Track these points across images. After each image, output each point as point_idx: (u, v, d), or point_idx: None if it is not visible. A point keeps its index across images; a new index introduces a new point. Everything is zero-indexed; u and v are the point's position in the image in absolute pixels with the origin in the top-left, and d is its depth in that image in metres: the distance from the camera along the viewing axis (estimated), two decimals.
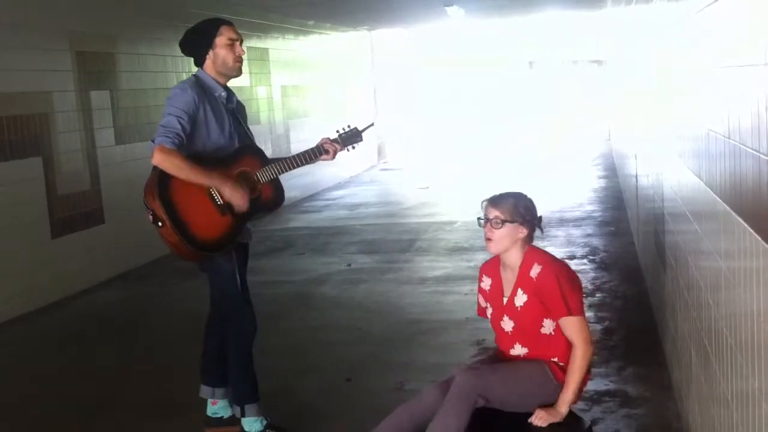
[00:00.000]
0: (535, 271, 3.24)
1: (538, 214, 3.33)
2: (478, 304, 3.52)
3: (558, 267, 3.27)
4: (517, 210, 3.25)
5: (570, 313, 3.17)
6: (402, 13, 15.53)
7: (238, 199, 3.71)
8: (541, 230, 3.36)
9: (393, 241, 9.01)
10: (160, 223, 3.62)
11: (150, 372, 5.20)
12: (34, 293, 6.92)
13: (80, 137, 7.74)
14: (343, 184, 14.46)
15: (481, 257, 3.60)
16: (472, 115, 24.85)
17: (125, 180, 8.28)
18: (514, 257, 3.29)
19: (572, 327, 3.18)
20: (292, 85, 13.12)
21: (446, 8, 13.60)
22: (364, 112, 16.92)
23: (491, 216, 3.25)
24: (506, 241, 3.25)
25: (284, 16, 12.82)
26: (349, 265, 7.91)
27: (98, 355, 5.66)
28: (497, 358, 3.41)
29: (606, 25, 15.64)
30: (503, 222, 3.22)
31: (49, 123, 7.27)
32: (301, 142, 12.61)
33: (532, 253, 3.30)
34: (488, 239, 3.28)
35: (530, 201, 3.34)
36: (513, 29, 22.47)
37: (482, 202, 3.34)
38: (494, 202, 3.29)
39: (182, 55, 4.06)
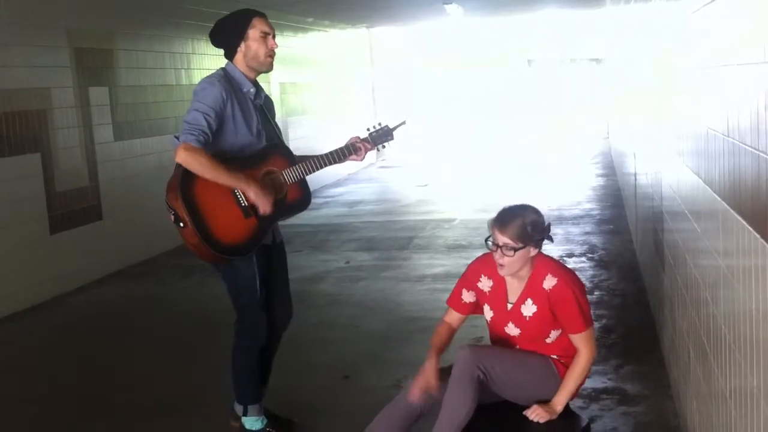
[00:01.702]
0: (549, 282, 3.18)
1: (546, 223, 3.24)
2: (456, 296, 3.42)
3: (571, 279, 3.23)
4: (526, 232, 3.12)
5: (587, 327, 3.17)
6: (401, 11, 15.53)
7: (263, 202, 3.56)
8: (551, 240, 3.28)
9: (391, 238, 9.01)
10: (181, 224, 3.49)
11: (149, 369, 5.20)
12: (31, 290, 6.91)
13: (79, 134, 7.73)
14: (342, 182, 14.46)
15: (479, 254, 3.58)
16: (470, 113, 24.84)
17: (124, 176, 8.29)
18: (524, 270, 3.22)
19: (583, 338, 3.18)
20: (290, 83, 13.11)
21: (445, 6, 13.59)
22: (362, 110, 16.93)
23: (500, 243, 3.13)
24: (518, 264, 3.17)
25: (283, 13, 12.80)
26: (348, 262, 7.90)
27: (96, 352, 5.65)
28: None
29: (605, 23, 15.64)
30: (515, 250, 3.13)
31: (48, 119, 7.26)
32: (299, 140, 12.61)
33: (543, 262, 3.23)
34: (500, 264, 3.18)
35: (537, 214, 3.21)
36: (512, 27, 22.47)
37: (488, 223, 3.22)
38: (502, 226, 3.14)
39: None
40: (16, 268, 6.79)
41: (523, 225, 3.13)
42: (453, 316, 3.48)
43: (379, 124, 4.00)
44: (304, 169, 3.74)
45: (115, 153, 8.26)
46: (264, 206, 3.57)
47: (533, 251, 3.18)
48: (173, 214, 3.52)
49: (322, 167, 3.79)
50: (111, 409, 4.60)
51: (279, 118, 12.35)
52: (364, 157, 3.93)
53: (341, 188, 13.72)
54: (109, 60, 8.26)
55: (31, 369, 5.42)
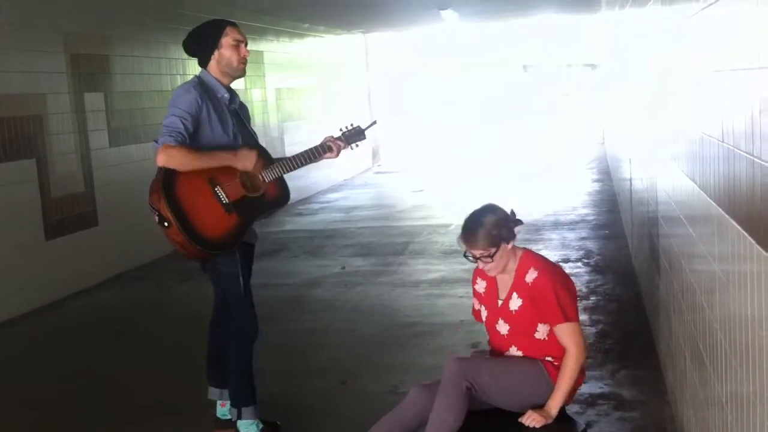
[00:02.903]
0: (530, 276, 3.23)
1: (508, 212, 3.30)
2: (474, 306, 3.51)
3: (553, 272, 3.27)
4: (491, 235, 3.21)
5: (566, 320, 3.18)
6: (396, 17, 15.54)
7: (249, 162, 3.75)
8: (521, 222, 3.33)
9: (387, 244, 9.00)
10: (166, 224, 3.60)
11: (147, 373, 5.19)
12: (28, 295, 6.90)
13: (74, 139, 7.72)
14: (338, 187, 14.45)
15: None
16: (466, 118, 24.89)
17: (119, 182, 8.28)
18: (511, 264, 3.29)
19: (566, 333, 3.19)
20: (286, 88, 13.11)
21: (441, 12, 13.60)
22: (359, 114, 16.94)
23: (477, 254, 3.23)
24: (502, 262, 3.25)
25: (279, 19, 12.82)
26: (344, 268, 7.90)
27: (95, 356, 5.64)
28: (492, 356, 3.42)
29: (600, 28, 15.67)
30: (491, 256, 3.21)
31: (43, 125, 7.25)
32: (295, 145, 12.55)
33: (528, 258, 3.30)
34: (486, 270, 3.27)
35: (494, 212, 3.28)
36: (507, 33, 22.53)
37: (458, 240, 3.31)
38: (469, 241, 3.24)
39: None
40: (12, 274, 6.77)
41: (488, 231, 3.21)
42: None
43: (351, 124, 4.15)
44: (281, 168, 3.89)
45: (111, 159, 8.25)
46: (249, 165, 3.76)
47: (509, 245, 3.25)
48: (157, 215, 3.62)
49: (298, 166, 3.93)
50: (110, 412, 4.59)
51: (275, 123, 12.41)
52: (338, 155, 4.06)
53: (337, 194, 13.72)
54: (104, 66, 8.25)
55: (30, 373, 5.41)
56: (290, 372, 5.00)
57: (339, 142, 4.04)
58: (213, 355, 4.08)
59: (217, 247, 3.74)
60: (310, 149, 3.98)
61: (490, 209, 3.31)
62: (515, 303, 3.27)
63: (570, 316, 3.19)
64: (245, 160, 3.76)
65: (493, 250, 3.20)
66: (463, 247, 3.28)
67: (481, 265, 3.26)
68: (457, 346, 5.25)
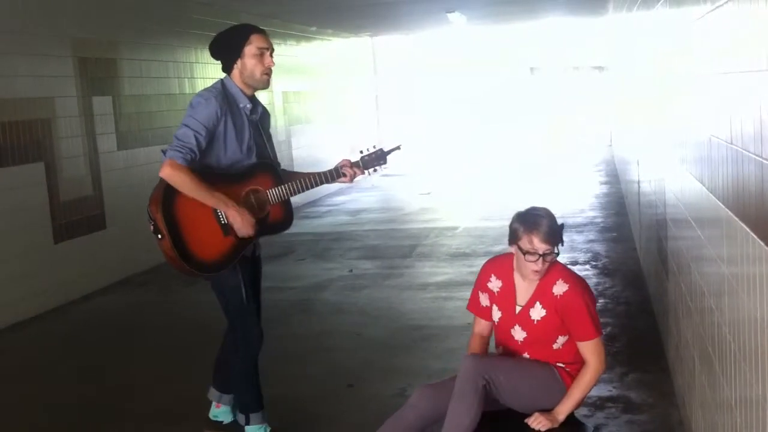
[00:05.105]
0: (560, 288, 3.19)
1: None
2: (475, 300, 3.41)
3: (582, 286, 3.23)
4: (556, 233, 3.14)
5: (597, 335, 3.17)
6: (404, 20, 15.55)
7: (239, 224, 3.60)
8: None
9: (394, 246, 9.00)
10: (159, 236, 3.55)
11: (151, 378, 5.19)
12: (35, 298, 6.91)
13: (82, 143, 7.75)
14: (345, 190, 14.46)
15: (482, 263, 3.58)
16: (474, 121, 24.86)
17: (127, 185, 8.29)
18: None
19: (592, 348, 3.18)
20: (293, 91, 13.13)
21: (448, 15, 13.62)
22: (366, 118, 16.95)
23: (541, 251, 3.11)
24: (548, 266, 3.19)
25: (286, 22, 12.84)
26: (351, 270, 7.90)
27: (101, 360, 5.65)
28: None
29: (608, 31, 15.66)
30: (556, 254, 3.14)
31: (52, 128, 7.28)
32: (302, 148, 12.63)
33: (555, 267, 3.23)
34: (535, 271, 3.15)
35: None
36: (514, 35, 22.50)
37: (518, 232, 3.15)
38: (542, 232, 3.08)
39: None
40: (20, 277, 6.79)
41: (554, 226, 3.15)
42: (481, 325, 3.46)
43: (374, 146, 4.02)
44: (289, 190, 3.76)
45: (119, 162, 8.27)
46: (241, 228, 3.61)
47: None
48: (153, 225, 3.57)
49: (307, 189, 3.81)
50: (116, 417, 4.60)
51: (282, 127, 12.42)
52: (351, 181, 3.93)
53: (344, 197, 13.73)
54: (112, 69, 8.28)
55: (35, 378, 5.41)
56: (297, 375, 4.99)
57: (355, 169, 3.89)
58: (221, 358, 4.07)
59: (207, 270, 3.68)
60: (323, 173, 3.85)
61: (549, 210, 3.25)
62: (538, 312, 3.22)
63: (599, 332, 3.19)
64: (237, 219, 3.58)
65: (557, 249, 3.14)
66: (524, 240, 3.12)
67: (537, 265, 3.11)
68: (463, 349, 5.21)
